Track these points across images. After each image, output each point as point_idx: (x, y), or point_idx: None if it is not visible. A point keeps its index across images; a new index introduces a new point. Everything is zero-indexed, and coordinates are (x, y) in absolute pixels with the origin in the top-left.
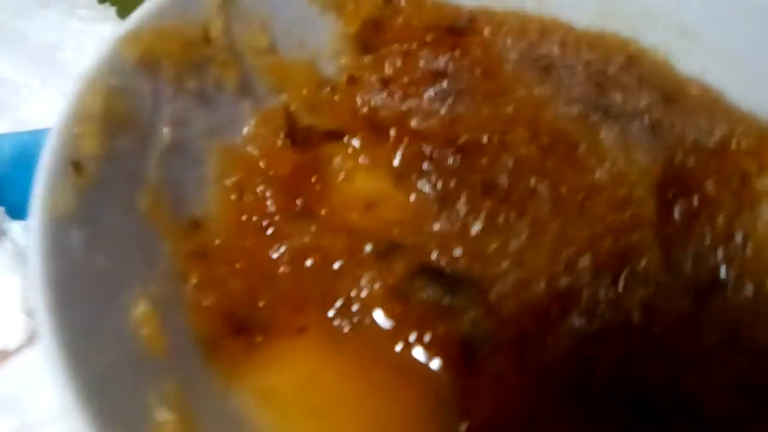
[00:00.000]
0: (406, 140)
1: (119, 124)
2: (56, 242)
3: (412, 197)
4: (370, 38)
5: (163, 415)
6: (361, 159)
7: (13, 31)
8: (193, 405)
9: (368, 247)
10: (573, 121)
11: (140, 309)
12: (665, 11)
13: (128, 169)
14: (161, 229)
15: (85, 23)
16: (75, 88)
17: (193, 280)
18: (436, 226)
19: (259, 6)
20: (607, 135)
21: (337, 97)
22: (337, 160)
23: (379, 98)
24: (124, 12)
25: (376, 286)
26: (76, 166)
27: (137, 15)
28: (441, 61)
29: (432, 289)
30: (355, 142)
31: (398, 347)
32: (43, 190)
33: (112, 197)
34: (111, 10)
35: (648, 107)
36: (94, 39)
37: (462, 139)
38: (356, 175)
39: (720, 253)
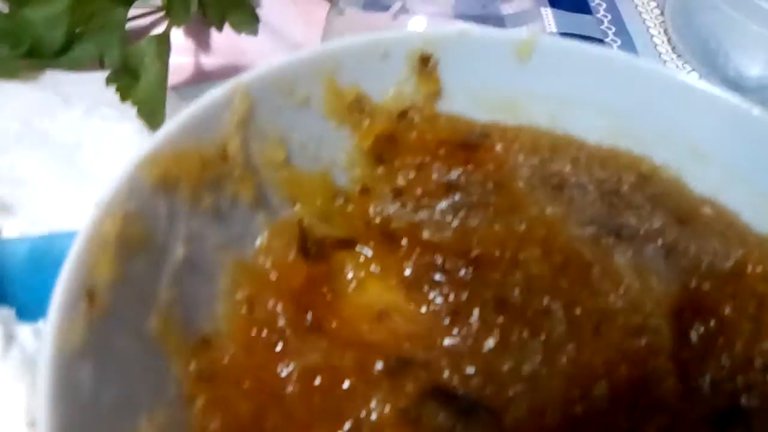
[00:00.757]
0: (418, 250)
1: (134, 248)
2: (66, 381)
3: (424, 309)
4: (383, 150)
5: None
6: (373, 268)
7: (35, 131)
8: None
9: (379, 365)
10: (586, 242)
11: None
12: (676, 129)
13: (140, 293)
14: (170, 350)
15: (106, 122)
16: (91, 215)
17: (200, 404)
18: (448, 341)
19: (277, 122)
20: (621, 259)
21: (350, 208)
22: (349, 269)
23: (391, 209)
24: (144, 114)
25: (387, 408)
26: (90, 295)
27: (156, 136)
28: (454, 175)
29: (444, 414)
30: (367, 252)
31: None
32: (55, 322)
33: (123, 324)
34: (132, 110)
35: (662, 229)
36: (114, 138)
37: (474, 252)
38: (368, 284)
39: (740, 382)
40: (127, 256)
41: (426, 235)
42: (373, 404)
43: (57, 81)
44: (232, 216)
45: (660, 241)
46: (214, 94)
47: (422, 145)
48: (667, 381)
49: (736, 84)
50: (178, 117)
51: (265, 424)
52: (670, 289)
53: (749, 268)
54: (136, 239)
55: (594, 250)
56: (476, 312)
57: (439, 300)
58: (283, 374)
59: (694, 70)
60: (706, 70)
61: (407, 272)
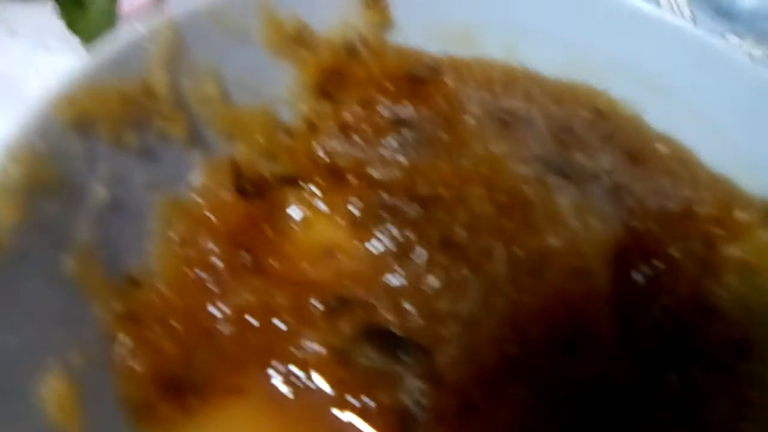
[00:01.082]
0: (365, 188)
1: (45, 191)
2: None
3: (370, 247)
4: (329, 85)
5: None
6: (319, 205)
7: None
8: None
9: (316, 304)
10: (530, 181)
11: (51, 383)
12: (638, 65)
13: (54, 235)
14: (91, 291)
15: (53, 55)
16: None
17: (124, 343)
18: (391, 280)
19: (209, 56)
20: (564, 199)
21: (294, 144)
22: (293, 207)
23: (337, 145)
24: (90, 45)
25: (320, 348)
26: None
27: (71, 75)
28: (402, 110)
29: (377, 353)
30: (313, 189)
31: (338, 413)
32: None
33: (33, 266)
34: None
35: (610, 169)
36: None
37: (421, 191)
38: (313, 222)
39: (682, 323)
40: (37, 198)
41: (373, 172)
42: (307, 344)
43: (4, 14)
44: (162, 155)
45: (607, 181)
46: (138, 28)
47: (369, 79)
48: (603, 325)
49: (728, 13)
50: (97, 53)
51: (194, 362)
52: (613, 231)
53: (699, 209)
54: (47, 181)
55: (537, 189)
56: (421, 251)
57: (385, 239)
58: (217, 314)
59: None
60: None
61: (354, 210)
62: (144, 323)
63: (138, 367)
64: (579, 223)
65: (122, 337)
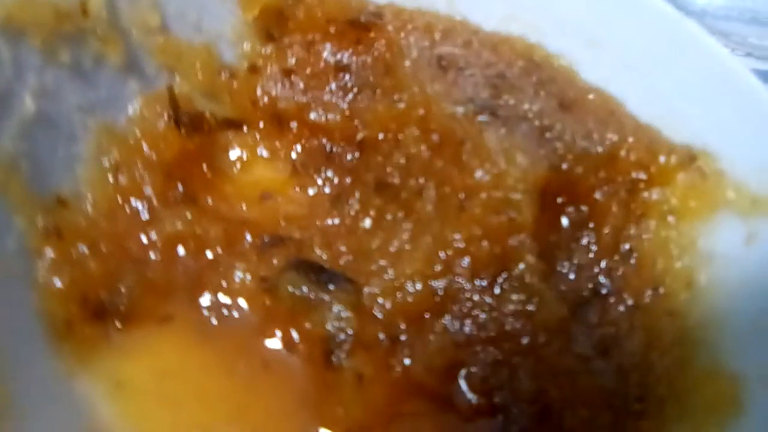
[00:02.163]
0: (306, 134)
1: None
2: None
3: (309, 191)
4: (273, 27)
5: None
6: (260, 150)
7: None
8: (21, 391)
9: (249, 238)
10: (461, 120)
11: None
12: (573, 20)
13: None
14: (14, 203)
15: None
16: None
17: (47, 259)
18: (326, 222)
19: None
20: (492, 136)
21: (236, 85)
22: (235, 150)
23: (279, 88)
24: None
25: (248, 277)
26: None
27: None
28: (344, 55)
29: (303, 283)
30: (256, 134)
31: (265, 341)
32: None
33: None
34: None
35: (540, 112)
36: None
37: (360, 136)
38: (253, 166)
39: (604, 265)
40: None
41: (314, 116)
42: (235, 274)
43: None
44: (97, 78)
45: (537, 123)
46: None
47: (312, 22)
48: (528, 260)
49: (679, 6)
50: None
51: (120, 287)
52: (538, 168)
53: (623, 154)
54: None
55: (468, 127)
56: (357, 194)
57: (324, 184)
58: (146, 241)
59: None
60: None
61: (295, 156)
62: (69, 241)
63: (60, 284)
64: (505, 158)
65: (46, 253)
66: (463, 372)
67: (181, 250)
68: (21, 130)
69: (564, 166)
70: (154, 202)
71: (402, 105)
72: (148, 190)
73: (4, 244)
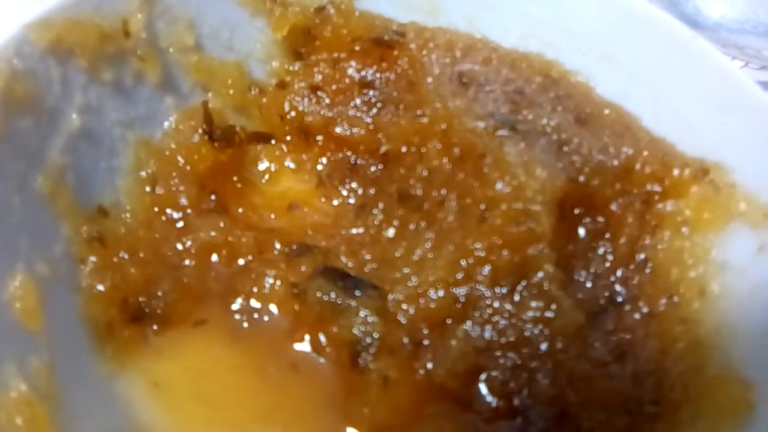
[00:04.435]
0: (332, 147)
1: (20, 105)
2: None
3: (334, 202)
4: (300, 45)
5: (19, 387)
6: (287, 162)
7: None
8: (65, 385)
9: (278, 246)
10: (482, 134)
11: (17, 284)
12: (588, 37)
13: (27, 150)
14: (61, 211)
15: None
16: None
17: (90, 265)
18: (351, 231)
19: (185, 5)
20: (511, 150)
21: (265, 100)
22: (264, 162)
23: (307, 104)
24: None
25: (278, 283)
26: None
27: (50, 3)
28: (368, 72)
29: (331, 289)
30: (283, 146)
31: (294, 345)
32: None
33: (4, 175)
34: None
35: (558, 127)
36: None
37: (384, 149)
38: (281, 177)
39: (620, 274)
40: (12, 112)
41: (339, 130)
42: (266, 281)
43: None
44: (136, 95)
45: (555, 137)
46: None
47: (338, 41)
48: (546, 269)
49: (693, 21)
50: None
51: (157, 291)
52: (556, 180)
53: (638, 167)
54: (22, 97)
55: (488, 141)
56: (380, 205)
57: (348, 195)
58: (181, 248)
59: (652, 3)
60: (663, 5)
61: (321, 168)
62: (111, 248)
63: (102, 288)
64: (524, 171)
65: (90, 259)
66: (483, 376)
67: (214, 257)
68: (67, 144)
69: (581, 178)
70: (189, 211)
71: (425, 120)
72: (183, 200)
73: (52, 250)
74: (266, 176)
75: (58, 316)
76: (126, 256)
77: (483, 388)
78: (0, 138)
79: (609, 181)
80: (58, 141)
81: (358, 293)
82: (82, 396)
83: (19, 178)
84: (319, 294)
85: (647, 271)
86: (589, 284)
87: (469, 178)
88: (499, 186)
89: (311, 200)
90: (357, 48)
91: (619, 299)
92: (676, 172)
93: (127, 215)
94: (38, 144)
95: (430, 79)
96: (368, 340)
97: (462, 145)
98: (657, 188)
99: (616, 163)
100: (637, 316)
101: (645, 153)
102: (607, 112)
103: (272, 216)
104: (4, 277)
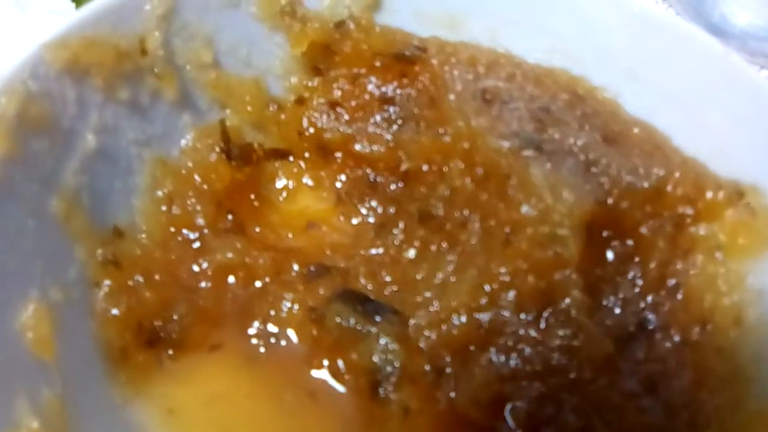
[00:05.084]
0: (351, 164)
1: (35, 127)
2: None
3: (353, 221)
4: (319, 61)
5: (30, 425)
6: (306, 179)
7: None
8: (78, 416)
9: (296, 267)
10: (507, 155)
11: (30, 313)
12: (614, 53)
13: (41, 172)
14: (76, 234)
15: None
16: None
17: (105, 288)
18: (370, 252)
19: (203, 22)
20: (538, 171)
21: (283, 117)
22: (281, 180)
23: (325, 120)
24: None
25: (296, 307)
26: None
27: (67, 22)
28: (388, 88)
29: (351, 315)
30: (301, 163)
31: (312, 371)
32: None
33: (18, 198)
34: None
35: (585, 146)
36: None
37: (404, 167)
38: (299, 195)
39: (650, 300)
40: (27, 134)
41: (359, 147)
42: (284, 304)
43: None
44: (153, 113)
45: (582, 157)
46: None
47: (358, 56)
48: (574, 294)
49: (719, 29)
50: (93, 4)
51: (173, 315)
52: (584, 203)
53: (669, 189)
54: (37, 119)
55: (513, 162)
56: (401, 224)
57: (368, 213)
58: (197, 270)
59: (678, 14)
60: (689, 14)
61: (339, 186)
62: (126, 271)
63: (117, 313)
64: (551, 194)
65: (104, 283)
66: (508, 406)
67: (231, 279)
68: (82, 165)
69: (610, 201)
70: (206, 231)
71: (447, 138)
72: (200, 220)
73: (66, 274)
74: (284, 194)
75: (71, 343)
76: (141, 279)
77: (508, 419)
78: (14, 161)
79: (639, 203)
80: (74, 162)
81: (378, 318)
82: (96, 426)
83: (33, 201)
84: (338, 320)
85: (679, 297)
86: (617, 310)
87: (493, 199)
88: (524, 209)
89: (330, 219)
90: (377, 64)
91: (650, 326)
92: (709, 194)
93: (143, 236)
94: (53, 166)
95: (452, 96)
96: (389, 369)
97: (485, 165)
98: (689, 211)
99: (646, 185)
100: (668, 344)
101: (677, 174)
102: (636, 130)
103: (290, 235)
104: (17, 306)
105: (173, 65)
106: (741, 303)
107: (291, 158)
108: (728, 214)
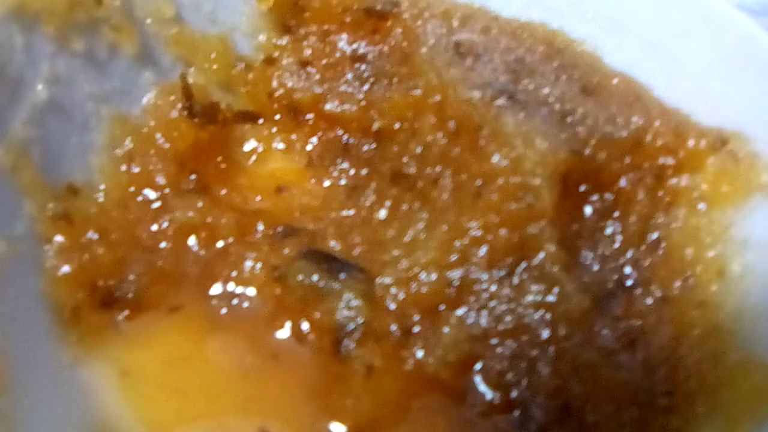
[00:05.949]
0: (323, 126)
1: None
2: None
3: (325, 184)
4: (288, 18)
5: None
6: (276, 143)
7: None
8: (20, 370)
9: (261, 228)
10: (478, 104)
11: None
12: (594, 3)
13: None
14: (25, 187)
15: None
16: None
17: (56, 245)
18: (341, 213)
19: None
20: (510, 120)
21: (251, 76)
22: (250, 142)
23: (295, 80)
24: None
25: (258, 266)
26: None
27: None
28: (360, 45)
29: (314, 272)
30: (272, 128)
31: (275, 333)
32: None
33: None
34: None
35: (561, 96)
36: None
37: (376, 126)
38: (269, 158)
39: (630, 255)
40: None
41: (330, 107)
42: (246, 264)
43: None
44: (111, 67)
45: (557, 106)
46: None
47: (328, 13)
48: (548, 249)
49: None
50: None
51: (129, 275)
52: (558, 152)
53: (649, 138)
54: None
55: (485, 112)
56: (373, 186)
57: (339, 176)
58: (157, 230)
59: None
60: None
61: (311, 148)
62: (79, 228)
63: (68, 270)
64: (523, 142)
65: (55, 239)
66: (478, 366)
67: (192, 240)
68: (32, 116)
69: (587, 151)
70: (167, 191)
71: (418, 92)
72: (161, 180)
73: (14, 227)
74: (253, 157)
75: (18, 297)
76: (95, 237)
77: (478, 379)
78: None
79: (617, 154)
80: (22, 112)
81: (342, 276)
82: (41, 383)
83: None
84: (300, 277)
85: (660, 251)
86: (596, 267)
87: (465, 152)
88: (495, 159)
89: (300, 182)
90: (348, 19)
91: (629, 282)
92: (690, 143)
93: (101, 194)
94: (1, 113)
95: (424, 50)
96: (352, 325)
97: (457, 118)
98: (670, 161)
99: (625, 134)
100: (648, 300)
101: (657, 123)
102: (615, 81)
103: (258, 198)
104: None
105: (132, 18)
106: (724, 255)
107: (261, 121)
108: (710, 162)
